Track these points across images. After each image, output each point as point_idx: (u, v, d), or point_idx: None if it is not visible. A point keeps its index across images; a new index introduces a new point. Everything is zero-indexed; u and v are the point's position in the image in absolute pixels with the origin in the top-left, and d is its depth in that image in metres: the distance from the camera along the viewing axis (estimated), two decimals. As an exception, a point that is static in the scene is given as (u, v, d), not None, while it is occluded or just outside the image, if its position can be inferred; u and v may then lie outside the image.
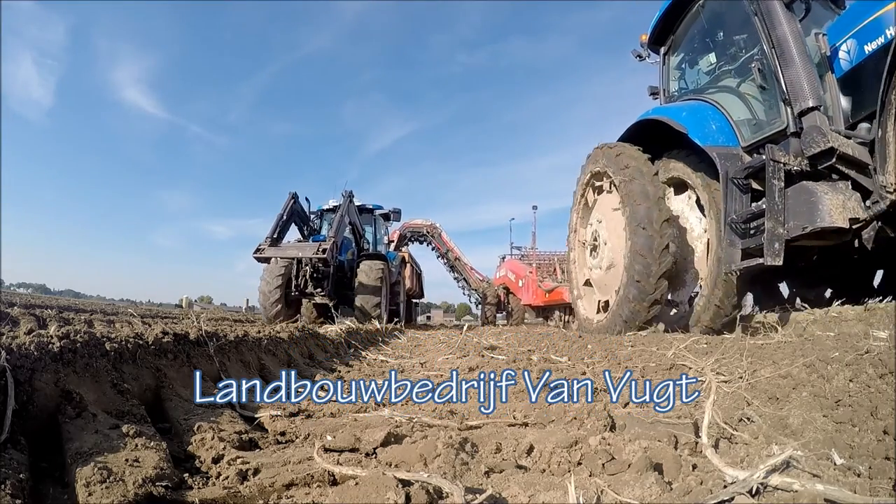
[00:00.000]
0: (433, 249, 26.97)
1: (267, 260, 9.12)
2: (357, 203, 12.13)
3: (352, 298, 10.32)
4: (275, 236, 9.09)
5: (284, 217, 9.65)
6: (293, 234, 10.58)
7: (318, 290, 10.20)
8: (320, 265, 10.02)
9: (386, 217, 14.41)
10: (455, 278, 27.16)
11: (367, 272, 10.35)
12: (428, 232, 26.40)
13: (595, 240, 6.13)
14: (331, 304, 10.22)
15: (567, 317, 14.06)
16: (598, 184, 6.21)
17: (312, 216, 11.70)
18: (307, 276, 10.12)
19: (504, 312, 20.53)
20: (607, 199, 5.98)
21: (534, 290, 15.82)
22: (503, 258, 22.06)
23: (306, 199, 10.95)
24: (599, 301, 6.16)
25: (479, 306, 24.87)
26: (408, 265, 17.91)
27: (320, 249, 8.58)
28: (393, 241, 16.48)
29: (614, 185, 5.60)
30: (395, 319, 13.97)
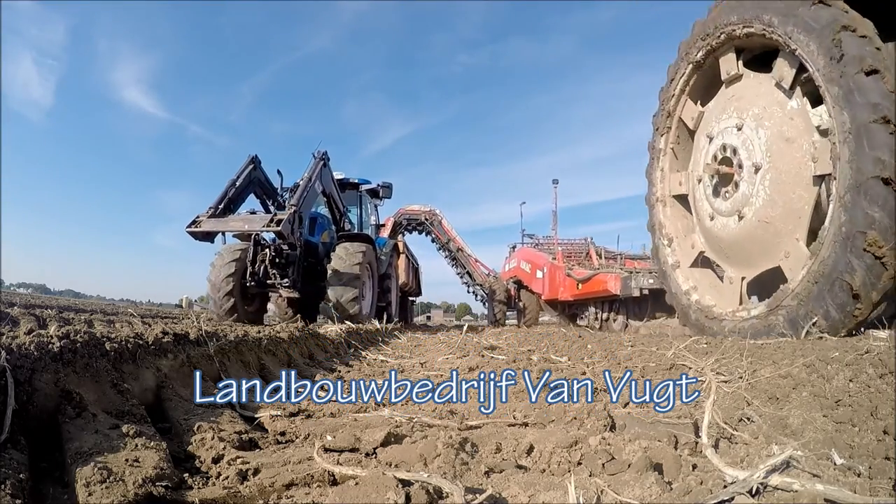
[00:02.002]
0: (433, 240, 23.53)
1: (207, 236, 6.60)
2: (338, 176, 9.65)
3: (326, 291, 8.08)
4: (220, 207, 6.78)
5: (238, 185, 7.26)
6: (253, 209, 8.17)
7: (283, 280, 7.94)
8: (283, 246, 7.84)
9: (374, 194, 11.46)
10: (457, 272, 23.76)
11: (344, 256, 8.06)
12: (427, 219, 22.94)
13: (725, 161, 3.68)
14: (325, 303, 8.17)
15: (607, 314, 11.06)
16: (710, 74, 3.98)
17: (286, 194, 9.22)
18: (267, 262, 7.82)
19: (515, 311, 17.34)
20: (743, 88, 3.68)
21: (560, 280, 12.41)
22: (513, 247, 18.59)
23: (279, 172, 8.49)
24: (744, 280, 3.72)
25: (485, 304, 21.63)
26: (402, 256, 15.25)
27: (275, 221, 6.34)
28: (384, 227, 13.25)
29: (771, 52, 3.40)
30: (396, 320, 12.17)
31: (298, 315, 9.44)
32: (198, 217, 6.57)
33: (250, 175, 7.54)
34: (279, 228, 6.26)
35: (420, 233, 23.64)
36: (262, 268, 7.88)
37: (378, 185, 11.34)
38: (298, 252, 8.04)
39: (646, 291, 8.93)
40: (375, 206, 11.96)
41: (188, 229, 6.42)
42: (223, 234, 6.77)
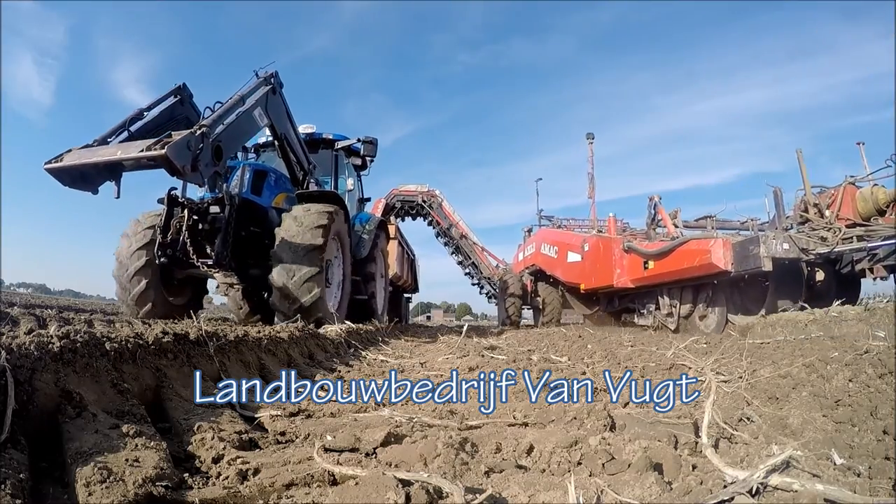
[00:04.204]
0: (431, 225, 20.61)
1: (82, 182, 4.16)
2: (306, 129, 7.31)
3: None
4: (108, 140, 4.46)
5: (151, 119, 4.97)
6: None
7: (207, 253, 5.46)
8: (214, 208, 5.53)
9: (352, 153, 8.26)
10: (461, 264, 20.70)
11: (301, 218, 5.44)
12: (424, 201, 20.11)
13: None
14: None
15: (690, 306, 7.47)
16: None
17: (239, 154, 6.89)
18: (185, 229, 5.38)
19: (531, 309, 14.00)
20: None
21: (616, 260, 8.65)
22: (529, 231, 15.20)
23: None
24: None
25: (493, 300, 18.81)
26: (394, 242, 12.68)
27: (159, 144, 3.85)
28: (367, 202, 9.54)
29: None
30: (395, 319, 10.93)
31: (259, 314, 7.21)
32: (69, 151, 4.17)
33: (172, 110, 5.22)
34: (163, 152, 3.73)
35: (416, 218, 20.57)
36: (180, 239, 5.41)
37: (359, 141, 8.07)
38: (227, 213, 5.43)
39: (754, 267, 5.71)
40: (358, 174, 8.67)
41: (46, 166, 4.06)
42: (117, 183, 4.16)
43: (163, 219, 5.48)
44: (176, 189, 5.53)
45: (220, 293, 7.39)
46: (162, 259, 5.47)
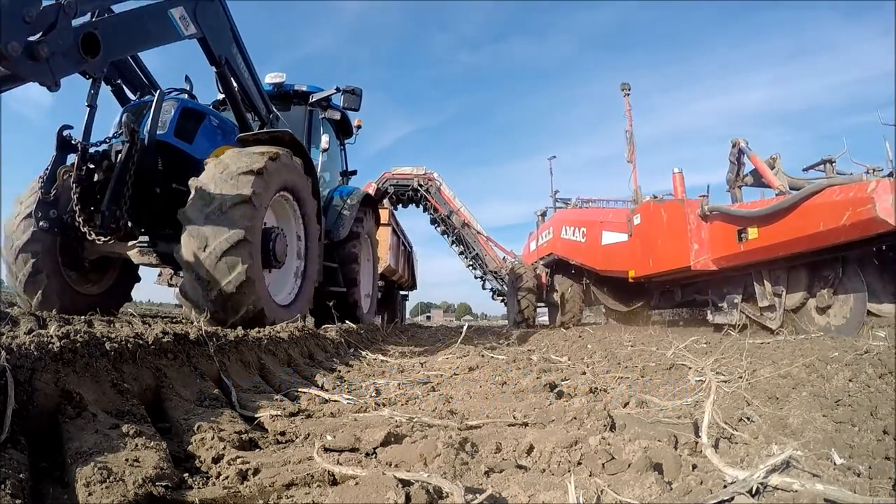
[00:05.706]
0: (432, 220, 18.26)
1: None
2: (273, 79, 5.95)
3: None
4: None
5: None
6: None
7: (93, 215, 3.89)
8: (116, 150, 4.01)
9: (328, 107, 6.46)
10: (464, 259, 18.28)
11: (227, 163, 3.68)
12: (421, 185, 17.52)
13: None
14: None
15: (805, 293, 5.00)
16: None
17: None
18: (72, 182, 3.80)
19: (546, 306, 11.96)
20: None
21: (693, 232, 6.01)
22: (543, 215, 13.04)
23: (187, 78, 5.20)
24: None
25: (498, 297, 17.10)
26: (388, 229, 11.20)
27: None
28: (355, 174, 7.60)
29: None
30: (396, 320, 10.58)
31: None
32: None
33: None
34: None
35: (418, 205, 18.16)
36: (70, 196, 3.82)
37: (338, 91, 6.20)
38: (125, 155, 3.85)
39: None
40: (342, 142, 6.92)
41: None
42: None
43: (48, 169, 3.85)
44: (71, 128, 3.94)
45: (163, 282, 5.48)
46: (42, 224, 3.87)
